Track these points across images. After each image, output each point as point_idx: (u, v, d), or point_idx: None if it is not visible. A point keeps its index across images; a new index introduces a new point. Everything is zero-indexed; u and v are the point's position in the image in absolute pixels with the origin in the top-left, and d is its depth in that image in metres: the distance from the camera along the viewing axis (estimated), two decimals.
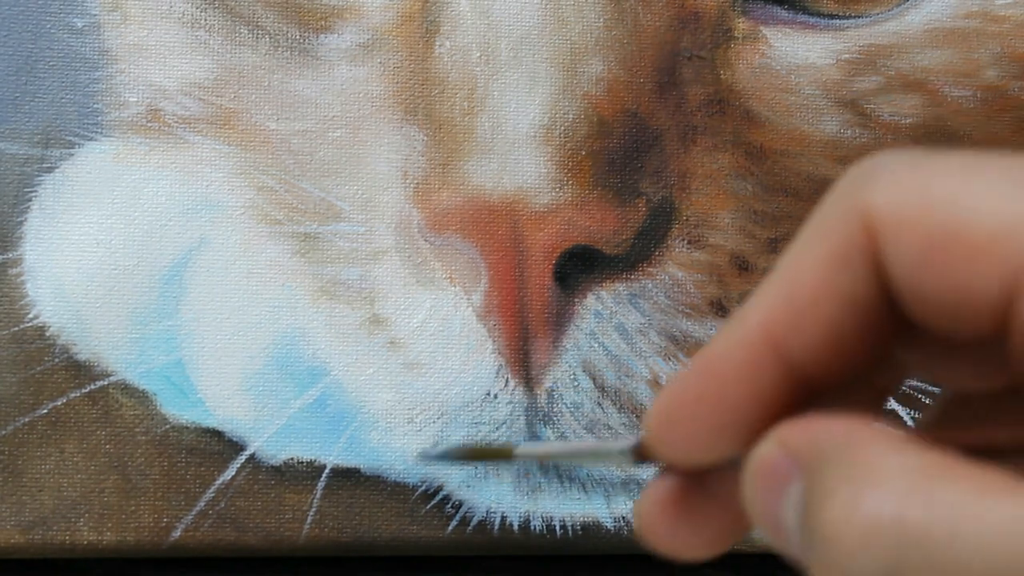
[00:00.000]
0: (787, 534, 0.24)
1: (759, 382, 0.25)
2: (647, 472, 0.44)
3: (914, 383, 0.44)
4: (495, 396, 0.43)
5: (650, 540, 0.28)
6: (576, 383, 0.43)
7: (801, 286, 0.24)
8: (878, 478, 0.21)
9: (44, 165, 0.44)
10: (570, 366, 0.43)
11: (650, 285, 0.43)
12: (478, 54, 0.44)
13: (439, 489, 0.44)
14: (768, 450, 0.24)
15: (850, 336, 0.24)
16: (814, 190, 0.45)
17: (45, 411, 0.43)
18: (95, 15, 0.45)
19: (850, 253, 0.24)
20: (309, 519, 0.44)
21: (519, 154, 0.43)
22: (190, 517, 0.43)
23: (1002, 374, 0.25)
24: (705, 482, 0.27)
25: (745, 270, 0.44)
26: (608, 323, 0.43)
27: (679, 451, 0.26)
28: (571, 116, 0.43)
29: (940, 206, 0.23)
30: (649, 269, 0.43)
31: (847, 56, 0.45)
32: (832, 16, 0.45)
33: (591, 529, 0.44)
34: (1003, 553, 0.20)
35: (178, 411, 0.44)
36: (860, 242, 0.24)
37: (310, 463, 0.44)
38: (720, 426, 0.25)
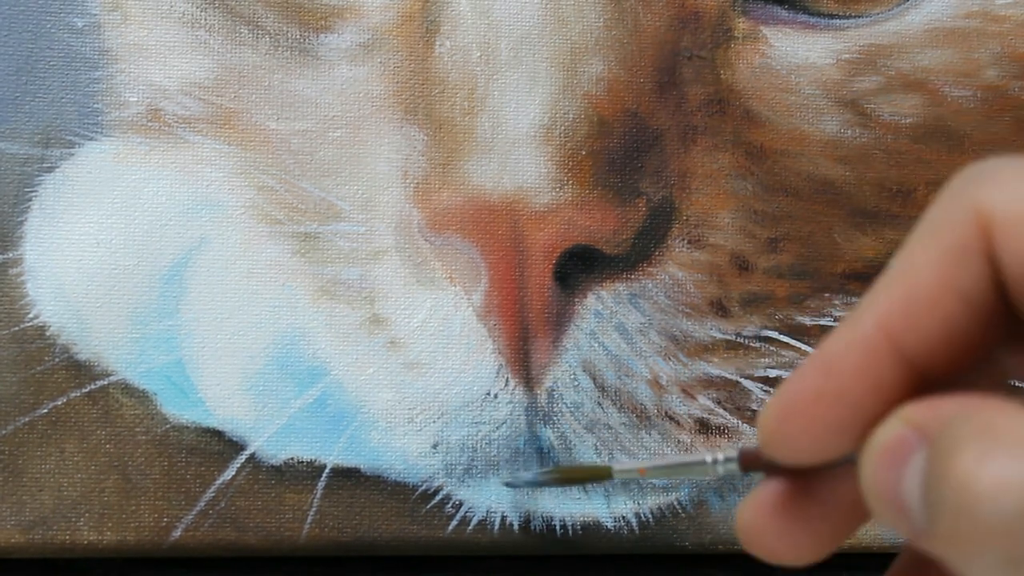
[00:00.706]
0: (905, 510, 0.24)
1: (877, 378, 0.25)
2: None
3: None
4: (495, 396, 0.43)
5: (754, 546, 0.28)
6: (576, 383, 0.43)
7: (918, 282, 0.25)
8: (1005, 436, 0.22)
9: (44, 165, 0.44)
10: (570, 366, 0.43)
11: (650, 285, 0.43)
12: (478, 54, 0.44)
13: (439, 489, 0.44)
14: (892, 425, 0.25)
15: (964, 332, 0.25)
16: (814, 190, 0.45)
17: (45, 411, 0.43)
18: (95, 15, 0.45)
19: (966, 250, 0.25)
20: (309, 519, 0.44)
21: (519, 154, 0.43)
22: (190, 517, 0.43)
23: None
24: (811, 485, 0.28)
25: (745, 270, 0.44)
26: (608, 323, 0.43)
27: (797, 450, 0.26)
28: (571, 116, 0.43)
29: None
30: (649, 269, 0.43)
31: (847, 56, 0.45)
32: (832, 16, 0.45)
33: (591, 529, 0.44)
34: None
35: (178, 411, 0.44)
36: (975, 240, 0.24)
37: (310, 463, 0.44)
38: (839, 423, 0.26)
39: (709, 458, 0.31)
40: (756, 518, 0.28)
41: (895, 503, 0.24)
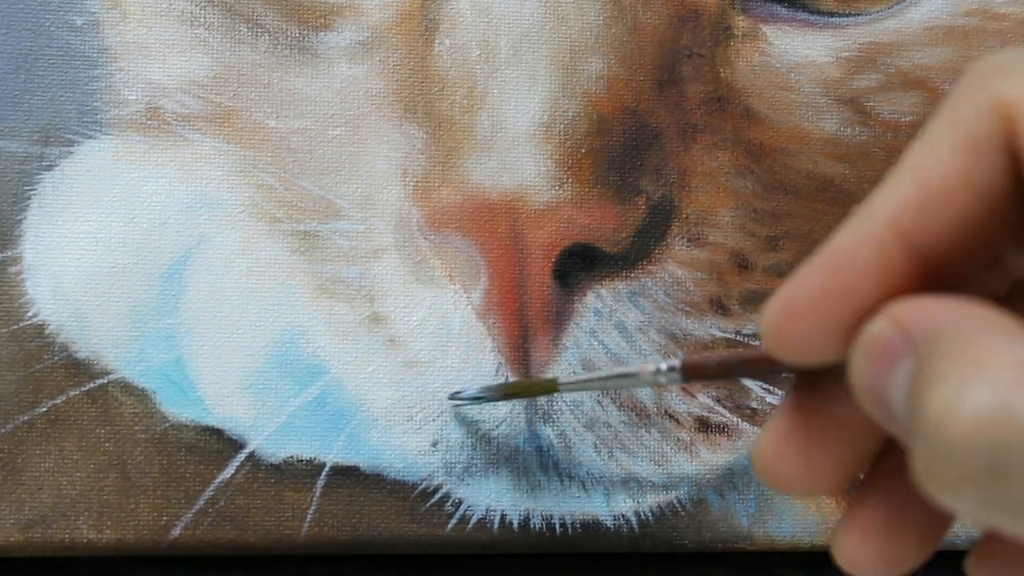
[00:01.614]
0: (892, 413, 0.23)
1: (887, 273, 0.25)
2: (648, 471, 0.44)
3: None
4: None
5: (771, 478, 0.27)
6: None
7: (933, 175, 0.24)
8: (988, 369, 0.21)
9: (43, 163, 0.44)
10: (570, 364, 0.43)
11: (650, 283, 0.43)
12: (478, 52, 0.44)
13: (439, 487, 0.44)
14: (881, 326, 0.24)
15: (980, 227, 0.24)
16: (814, 188, 0.45)
17: (44, 409, 0.43)
18: (94, 13, 0.45)
19: (986, 142, 0.24)
20: (309, 517, 0.44)
21: (519, 152, 0.43)
22: (190, 515, 0.43)
23: None
24: (823, 405, 0.27)
25: (745, 268, 0.44)
26: (608, 321, 0.43)
27: (802, 349, 0.25)
28: (571, 114, 0.43)
29: None
30: (649, 267, 0.43)
31: (847, 54, 0.45)
32: (832, 14, 0.45)
33: (591, 527, 0.44)
34: None
35: (177, 409, 0.44)
36: (996, 132, 0.23)
37: (309, 461, 0.44)
38: (847, 320, 0.25)
39: (652, 367, 0.30)
40: (771, 446, 0.27)
41: (881, 402, 0.24)
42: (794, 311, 0.25)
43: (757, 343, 0.44)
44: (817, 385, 0.27)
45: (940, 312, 0.23)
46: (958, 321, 0.23)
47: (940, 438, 0.21)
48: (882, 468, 0.28)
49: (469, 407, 0.42)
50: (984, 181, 0.24)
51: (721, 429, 0.44)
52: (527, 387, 0.41)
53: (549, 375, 0.42)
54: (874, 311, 0.24)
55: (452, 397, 0.42)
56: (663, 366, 0.30)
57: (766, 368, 0.28)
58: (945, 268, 0.25)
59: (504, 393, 0.41)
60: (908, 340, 0.23)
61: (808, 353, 0.25)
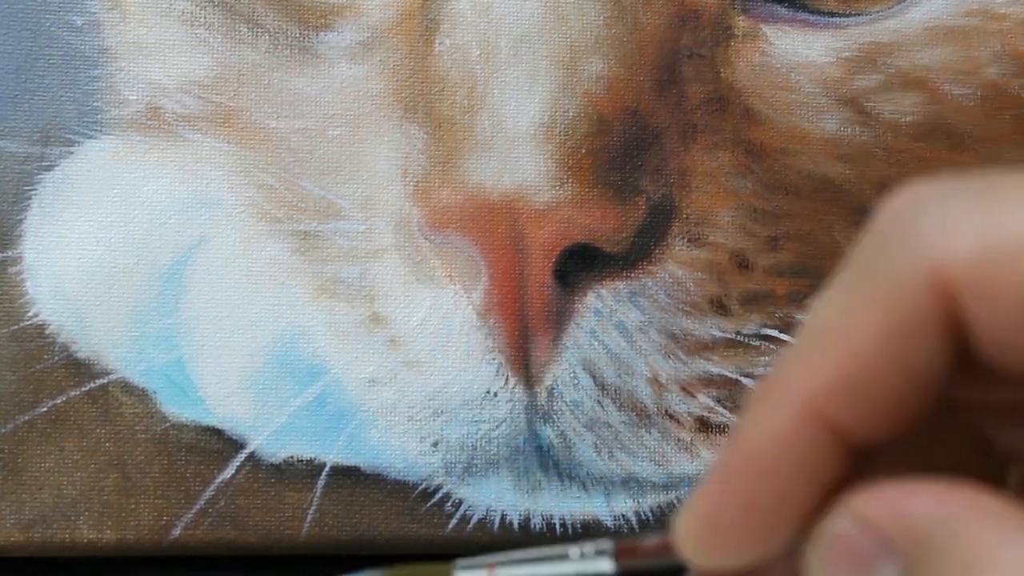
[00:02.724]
0: None
1: (813, 465, 0.21)
2: (649, 471, 0.44)
3: None
4: (495, 394, 0.43)
5: None
6: (576, 381, 0.43)
7: (857, 358, 0.21)
8: (1005, 568, 0.19)
9: (43, 163, 0.44)
10: (570, 364, 0.43)
11: (650, 283, 0.43)
12: (478, 52, 0.44)
13: (439, 487, 0.44)
14: (843, 527, 0.21)
15: (914, 404, 0.21)
16: (814, 188, 0.45)
17: (45, 409, 0.43)
18: (94, 13, 0.45)
19: (921, 321, 0.20)
20: (309, 517, 0.44)
21: (519, 152, 0.43)
22: (190, 515, 0.43)
23: None
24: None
25: (745, 268, 0.44)
26: (608, 321, 0.43)
27: (727, 563, 0.22)
28: (571, 114, 0.43)
29: None
30: (649, 267, 0.43)
31: (847, 54, 0.45)
32: (832, 14, 0.45)
33: (591, 527, 0.44)
34: None
35: (178, 409, 0.44)
36: (933, 307, 0.20)
37: (310, 461, 0.44)
38: (776, 527, 0.22)
39: (575, 551, 0.25)
40: None
41: None
42: (715, 530, 0.22)
43: (759, 344, 0.44)
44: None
45: (917, 509, 0.20)
46: (942, 517, 0.20)
47: None
48: None
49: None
50: (919, 365, 0.21)
51: (722, 429, 0.44)
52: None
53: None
54: (807, 504, 0.22)
55: None
56: (589, 549, 0.26)
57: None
58: (876, 441, 0.22)
59: None
60: (884, 544, 0.20)
61: (736, 564, 0.22)
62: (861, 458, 0.22)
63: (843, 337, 0.21)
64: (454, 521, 0.44)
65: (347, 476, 0.44)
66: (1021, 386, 0.21)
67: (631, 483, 0.44)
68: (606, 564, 0.25)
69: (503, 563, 0.28)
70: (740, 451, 0.22)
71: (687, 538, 0.22)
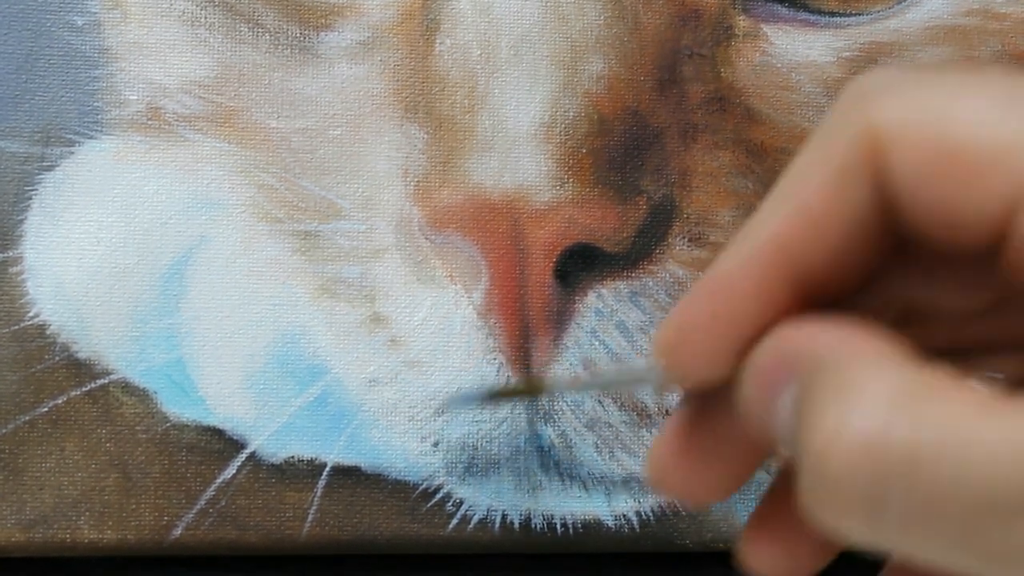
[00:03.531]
0: (780, 439, 0.24)
1: (771, 296, 0.25)
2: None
3: None
4: None
5: (663, 484, 0.28)
6: None
7: (810, 201, 0.25)
8: (867, 396, 0.22)
9: (44, 163, 0.44)
10: (571, 364, 0.43)
11: (651, 283, 0.43)
12: (478, 52, 0.44)
13: (440, 487, 0.44)
14: (765, 353, 0.25)
15: (856, 249, 0.25)
16: None
17: (45, 409, 0.43)
18: (95, 13, 0.45)
19: (857, 168, 0.24)
20: (310, 517, 0.44)
21: (520, 152, 0.43)
22: (191, 515, 0.43)
23: (989, 289, 0.26)
24: (713, 421, 0.28)
25: None
26: (609, 321, 0.43)
27: (693, 372, 0.26)
28: (571, 114, 0.43)
29: (944, 122, 0.23)
30: (650, 267, 0.43)
31: (848, 54, 0.45)
32: (833, 14, 0.45)
33: (592, 527, 0.44)
34: (991, 474, 0.20)
35: (179, 409, 0.44)
36: (866, 157, 0.24)
37: (311, 461, 0.44)
38: (734, 341, 0.26)
39: (636, 370, 0.31)
40: (662, 454, 0.28)
41: (768, 428, 0.25)
42: (683, 337, 0.26)
43: None
44: (708, 400, 0.28)
45: (820, 338, 0.24)
46: (837, 346, 0.23)
47: (823, 465, 0.22)
48: (784, 474, 0.29)
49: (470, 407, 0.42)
50: (856, 209, 0.25)
51: None
52: (513, 390, 0.42)
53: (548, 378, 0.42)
54: (763, 334, 0.25)
55: (449, 404, 0.42)
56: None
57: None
58: (828, 290, 0.26)
59: (493, 396, 0.41)
60: (790, 368, 0.24)
61: (700, 375, 0.26)
62: (822, 306, 0.26)
63: (799, 188, 0.25)
64: (455, 521, 0.44)
65: (348, 476, 0.44)
66: (936, 244, 0.25)
67: (632, 483, 0.44)
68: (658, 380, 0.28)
69: (581, 385, 0.36)
70: (711, 275, 0.26)
71: (663, 345, 0.26)
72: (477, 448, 0.43)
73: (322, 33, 0.44)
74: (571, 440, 0.43)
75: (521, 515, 0.44)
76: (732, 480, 0.28)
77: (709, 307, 0.26)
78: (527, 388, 0.41)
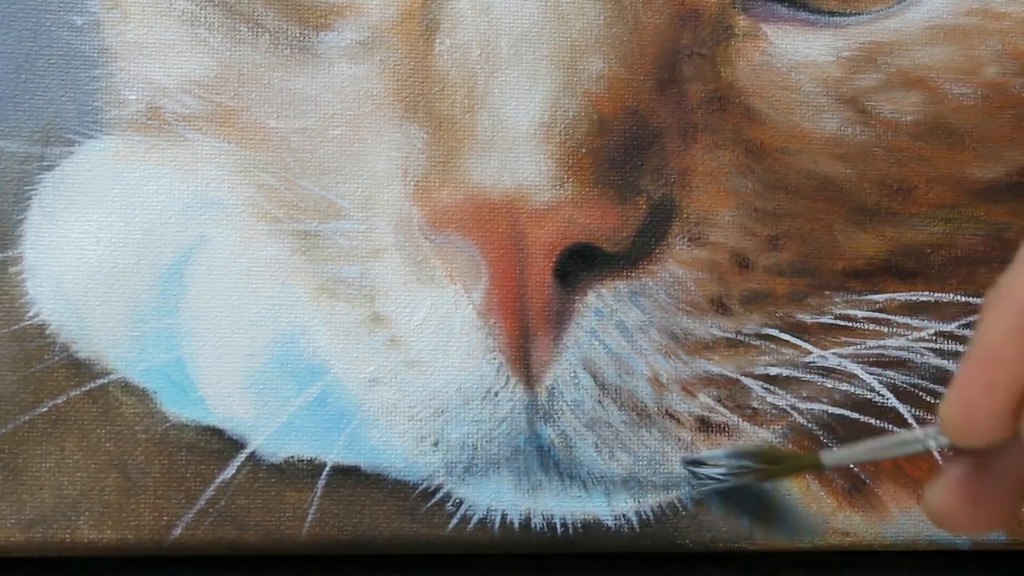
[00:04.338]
0: None
1: None
2: (649, 470, 0.44)
3: (916, 381, 0.44)
4: (495, 394, 0.43)
5: (945, 522, 0.32)
6: (577, 381, 0.43)
7: None
8: None
9: (44, 163, 0.44)
10: (571, 364, 0.43)
11: (651, 283, 0.43)
12: (478, 52, 0.43)
13: (439, 487, 0.44)
14: None
15: None
16: (814, 187, 0.45)
17: (45, 409, 0.43)
18: (95, 13, 0.45)
19: None
20: (309, 517, 0.44)
21: (519, 152, 0.43)
22: (190, 515, 0.43)
23: None
24: (985, 465, 0.31)
25: (746, 267, 0.44)
26: (609, 321, 0.43)
27: (978, 435, 0.30)
28: (571, 114, 0.43)
29: None
30: (650, 267, 0.43)
31: (847, 53, 0.45)
32: (832, 13, 0.45)
33: (592, 527, 0.44)
34: None
35: (178, 409, 0.44)
36: None
37: (310, 461, 0.44)
38: (1013, 403, 0.29)
39: (921, 434, 0.34)
40: (943, 498, 0.32)
41: None
42: (967, 405, 0.30)
43: (759, 344, 0.44)
44: (983, 452, 0.32)
45: None
46: None
47: None
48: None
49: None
50: None
51: (722, 429, 0.44)
52: (787, 467, 0.43)
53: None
54: None
55: (691, 465, 0.43)
56: (932, 432, 0.34)
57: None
58: None
59: (763, 475, 0.43)
60: None
61: (985, 437, 0.30)
62: None
63: None
64: (455, 521, 0.44)
65: (347, 476, 0.44)
66: None
67: (632, 482, 0.44)
68: (944, 441, 0.32)
69: (859, 457, 0.38)
70: (979, 346, 0.29)
71: (947, 416, 0.30)
72: (477, 448, 0.43)
73: (322, 33, 0.44)
74: (571, 440, 0.43)
75: (521, 515, 0.44)
76: (1009, 514, 0.32)
77: (986, 377, 0.29)
78: (808, 463, 0.42)
